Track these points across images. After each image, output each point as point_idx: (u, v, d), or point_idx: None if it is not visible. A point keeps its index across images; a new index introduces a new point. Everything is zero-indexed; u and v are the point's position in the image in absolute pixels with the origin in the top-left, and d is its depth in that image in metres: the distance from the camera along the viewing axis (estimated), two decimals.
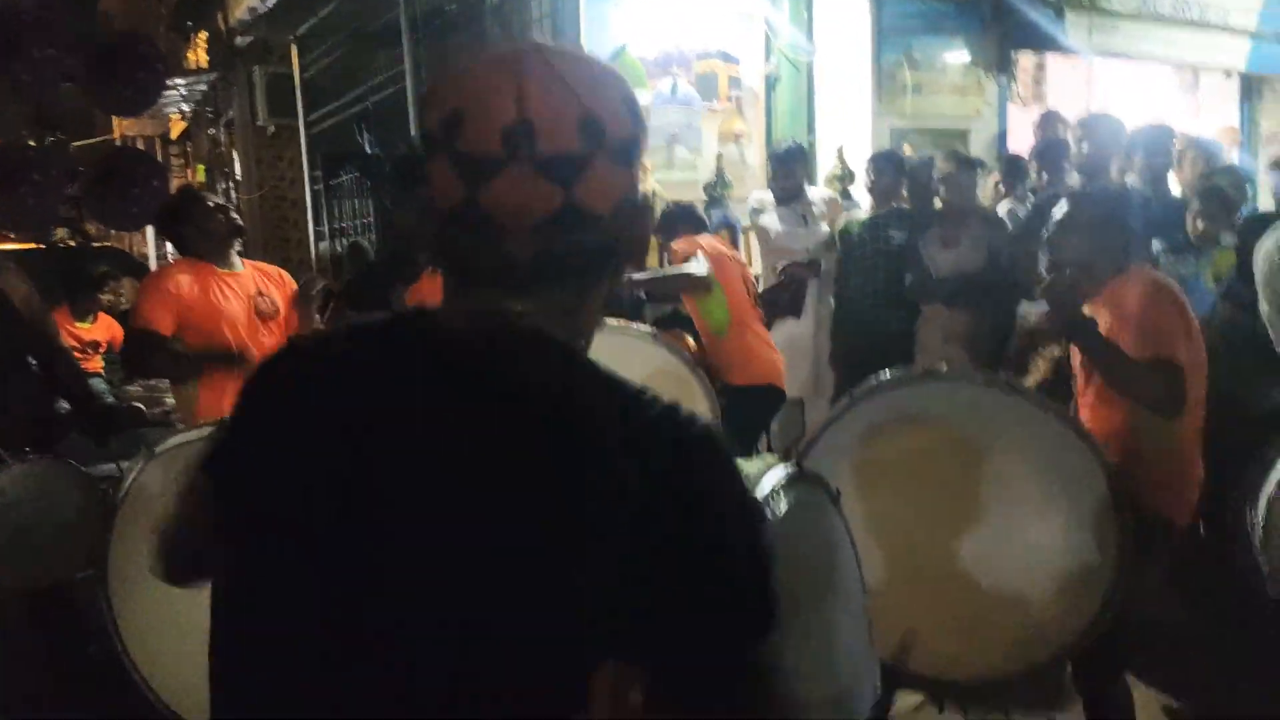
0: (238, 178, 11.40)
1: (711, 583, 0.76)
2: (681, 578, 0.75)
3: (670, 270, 4.15)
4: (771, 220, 4.97)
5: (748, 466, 1.35)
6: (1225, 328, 3.46)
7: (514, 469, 0.77)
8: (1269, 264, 2.93)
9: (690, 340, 4.30)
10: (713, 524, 0.78)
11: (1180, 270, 3.79)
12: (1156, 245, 3.88)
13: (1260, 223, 3.77)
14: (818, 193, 5.28)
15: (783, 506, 1.23)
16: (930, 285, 4.40)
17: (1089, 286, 2.46)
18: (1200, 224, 3.88)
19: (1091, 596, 2.32)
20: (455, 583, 0.77)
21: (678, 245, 4.14)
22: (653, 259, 5.77)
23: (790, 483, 1.29)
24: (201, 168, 12.97)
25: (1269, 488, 2.98)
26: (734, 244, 5.36)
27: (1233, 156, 5.62)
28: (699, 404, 3.52)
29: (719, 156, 6.18)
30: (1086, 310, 2.50)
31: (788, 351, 4.63)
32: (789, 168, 4.92)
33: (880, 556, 2.21)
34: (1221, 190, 3.97)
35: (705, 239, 4.21)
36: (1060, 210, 2.56)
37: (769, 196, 5.05)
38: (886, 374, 2.44)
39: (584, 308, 0.89)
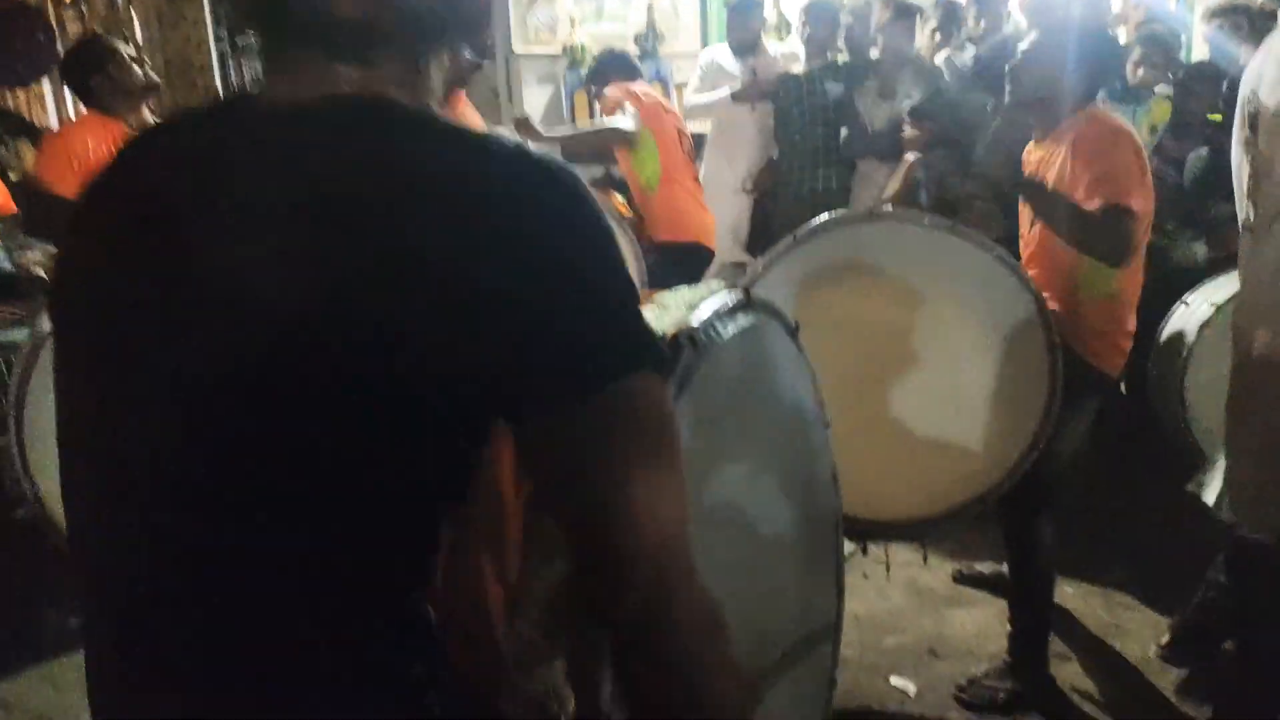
0: (139, 41, 10.70)
1: (573, 316, 0.71)
2: (543, 315, 0.70)
3: (597, 125, 3.98)
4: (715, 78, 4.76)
5: (691, 293, 1.28)
6: (1153, 182, 3.45)
7: (351, 239, 0.69)
8: None
9: (619, 198, 4.18)
10: (568, 253, 0.72)
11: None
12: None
13: (1198, 73, 3.74)
14: (777, 47, 5.06)
15: (729, 330, 1.16)
16: (867, 140, 4.28)
17: (1046, 123, 2.39)
18: (1140, 71, 3.82)
19: (1020, 437, 2.34)
20: (305, 367, 0.69)
21: (610, 92, 3.95)
22: (584, 117, 5.58)
23: (738, 308, 1.22)
24: (99, 31, 12.15)
25: (1190, 339, 3.04)
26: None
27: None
28: (626, 264, 3.45)
29: (649, 7, 5.91)
30: (1038, 152, 2.44)
31: (731, 213, 4.54)
32: (745, 19, 4.64)
33: None
34: (1163, 38, 3.91)
35: (640, 85, 4.03)
36: (1027, 42, 2.47)
37: (723, 54, 4.78)
38: (829, 215, 2.37)
39: (419, 81, 0.81)
